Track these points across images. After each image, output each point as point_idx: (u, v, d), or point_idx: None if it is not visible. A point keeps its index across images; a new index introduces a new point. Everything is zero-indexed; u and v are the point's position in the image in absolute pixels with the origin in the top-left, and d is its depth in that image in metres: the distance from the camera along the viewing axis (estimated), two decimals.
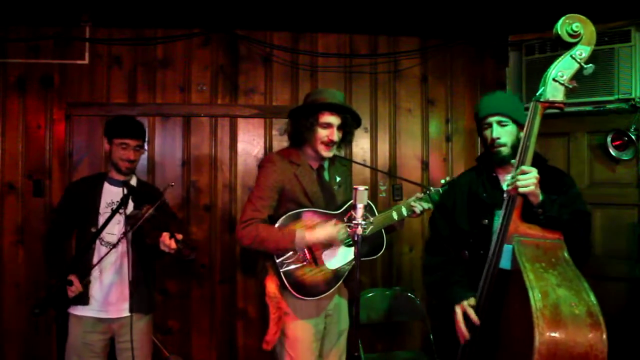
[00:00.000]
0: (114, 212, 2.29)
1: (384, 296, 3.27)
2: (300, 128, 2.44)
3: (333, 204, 2.52)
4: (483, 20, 3.37)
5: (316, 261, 2.41)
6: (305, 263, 2.39)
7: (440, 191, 2.55)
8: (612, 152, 3.21)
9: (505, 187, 1.94)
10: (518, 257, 1.78)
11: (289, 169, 2.44)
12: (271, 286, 2.39)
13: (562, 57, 1.88)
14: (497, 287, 1.89)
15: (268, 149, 3.46)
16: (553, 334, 1.57)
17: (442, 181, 2.54)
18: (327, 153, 2.46)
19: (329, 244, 2.41)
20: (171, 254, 2.34)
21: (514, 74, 3.62)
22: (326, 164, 2.59)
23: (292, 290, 2.35)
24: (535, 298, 1.62)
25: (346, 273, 2.48)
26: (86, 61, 3.32)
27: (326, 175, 2.59)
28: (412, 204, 2.60)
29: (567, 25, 1.83)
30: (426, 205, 2.61)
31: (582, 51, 1.85)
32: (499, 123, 2.10)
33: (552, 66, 1.88)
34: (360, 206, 1.84)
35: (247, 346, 3.41)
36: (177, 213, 3.15)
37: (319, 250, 2.42)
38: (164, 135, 3.39)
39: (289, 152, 2.51)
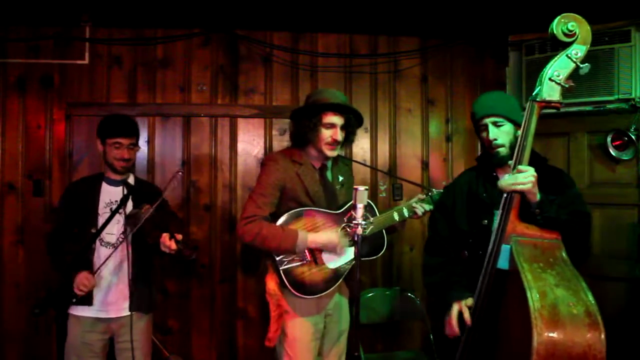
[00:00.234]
0: (113, 213, 2.29)
1: (384, 296, 3.27)
2: (304, 129, 2.45)
3: (335, 203, 2.53)
4: (483, 20, 3.37)
5: (316, 260, 2.42)
6: (304, 262, 2.40)
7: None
8: (612, 152, 3.21)
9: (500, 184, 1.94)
10: (516, 257, 1.77)
11: (291, 167, 2.46)
12: (271, 284, 2.42)
13: (558, 56, 1.88)
14: (495, 287, 1.89)
15: (268, 149, 3.46)
16: (551, 334, 1.56)
17: (444, 183, 2.54)
18: (331, 153, 2.47)
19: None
20: (172, 254, 2.34)
21: (514, 74, 3.62)
22: (329, 164, 2.60)
23: (291, 288, 2.36)
24: (533, 298, 1.62)
25: (346, 272, 2.49)
26: (86, 61, 3.32)
27: (329, 175, 2.59)
28: (414, 205, 2.61)
29: (562, 24, 1.83)
30: (427, 207, 2.62)
31: (578, 50, 1.85)
32: (495, 124, 2.10)
33: (548, 66, 1.88)
34: (360, 206, 1.85)
35: (247, 346, 3.41)
36: (177, 213, 3.15)
37: (320, 250, 2.43)
38: (164, 135, 3.39)
39: (292, 152, 2.53)
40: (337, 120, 2.43)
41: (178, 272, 3.35)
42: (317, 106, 2.45)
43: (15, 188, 3.26)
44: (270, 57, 3.49)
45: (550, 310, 1.60)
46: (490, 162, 2.16)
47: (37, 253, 3.10)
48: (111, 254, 2.39)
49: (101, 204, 2.55)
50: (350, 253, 2.47)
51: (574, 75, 1.89)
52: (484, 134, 2.13)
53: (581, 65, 1.86)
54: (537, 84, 1.91)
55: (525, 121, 1.90)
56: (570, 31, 1.83)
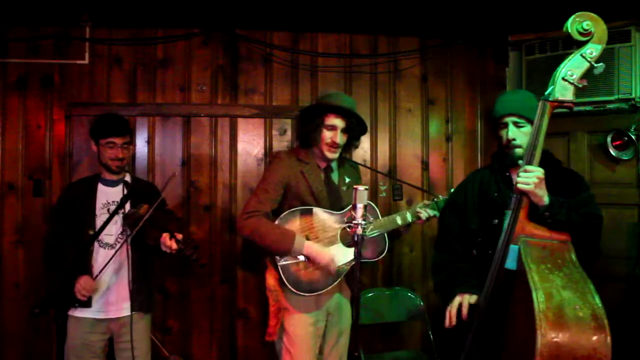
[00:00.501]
0: (113, 213, 2.29)
1: (384, 296, 3.27)
2: (307, 129, 2.49)
3: (338, 204, 2.55)
4: (483, 20, 3.37)
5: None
6: (302, 259, 2.42)
7: None
8: (612, 152, 3.20)
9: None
10: (523, 258, 1.77)
11: (296, 166, 2.49)
12: (271, 280, 2.47)
13: (572, 55, 1.84)
14: (502, 287, 1.88)
15: (268, 149, 3.45)
16: (555, 336, 1.56)
17: (452, 190, 2.53)
18: (330, 155, 2.49)
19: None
20: (173, 254, 2.34)
21: (514, 74, 3.62)
22: (334, 165, 2.63)
23: (288, 285, 2.39)
24: (539, 299, 1.61)
25: (344, 272, 2.49)
26: (86, 61, 3.31)
27: (334, 176, 2.62)
28: (418, 210, 2.62)
29: (577, 23, 1.80)
30: (432, 213, 2.62)
31: (593, 50, 1.82)
32: (515, 124, 2.08)
33: (562, 65, 1.85)
34: (360, 206, 1.86)
35: (247, 346, 3.41)
36: (177, 213, 3.15)
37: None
38: (164, 135, 3.38)
39: (298, 151, 2.57)
40: (339, 122, 2.46)
41: (178, 272, 3.35)
42: (321, 107, 2.50)
43: (15, 188, 3.25)
44: (270, 57, 3.49)
45: (555, 312, 1.59)
46: (505, 161, 2.15)
47: (37, 253, 3.09)
48: (112, 256, 2.38)
49: (98, 205, 2.56)
50: (349, 253, 2.48)
51: (585, 74, 1.85)
52: (503, 133, 2.12)
53: (596, 65, 1.82)
54: (549, 84, 1.88)
55: (537, 120, 1.88)
56: (586, 30, 1.80)
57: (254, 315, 3.40)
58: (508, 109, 2.10)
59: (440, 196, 2.69)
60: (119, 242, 2.52)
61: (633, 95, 3.08)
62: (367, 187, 1.89)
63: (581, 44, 1.83)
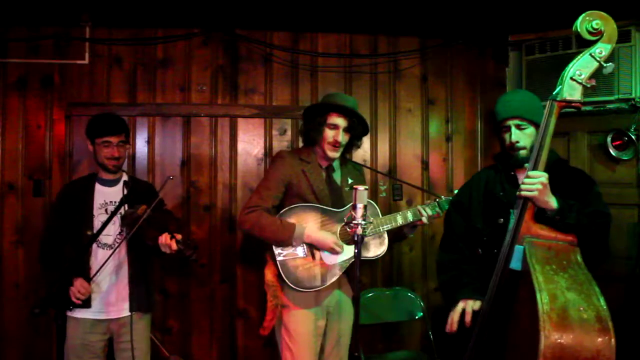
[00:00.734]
0: (113, 213, 2.29)
1: (384, 296, 3.27)
2: (310, 127, 2.53)
3: (340, 203, 2.57)
4: (483, 20, 3.37)
5: (313, 255, 2.46)
6: (301, 255, 2.44)
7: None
8: (612, 152, 3.21)
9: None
10: (528, 259, 1.76)
11: (298, 165, 2.53)
12: (269, 275, 2.49)
13: (581, 55, 1.83)
14: (506, 288, 1.87)
15: (268, 149, 3.45)
16: (559, 338, 1.56)
17: (456, 192, 2.53)
18: (332, 154, 2.52)
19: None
20: (172, 254, 2.34)
21: (514, 74, 3.62)
22: (336, 165, 2.64)
23: (286, 280, 2.41)
24: (543, 300, 1.61)
25: (344, 270, 2.50)
26: (86, 61, 3.31)
27: (337, 175, 2.64)
28: (420, 209, 2.61)
29: (587, 22, 1.78)
30: (433, 212, 2.61)
31: (602, 49, 1.80)
32: (518, 127, 2.07)
33: (570, 64, 1.83)
34: (360, 206, 1.86)
35: (247, 346, 3.41)
36: (177, 213, 3.15)
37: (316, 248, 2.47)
38: (164, 135, 3.38)
39: (300, 150, 2.62)
40: (341, 122, 2.49)
41: (178, 272, 3.34)
42: (323, 106, 2.54)
43: (15, 188, 3.25)
44: (270, 57, 3.48)
45: (559, 314, 1.59)
46: (509, 162, 2.14)
47: (37, 253, 3.08)
48: (110, 256, 2.38)
49: (96, 205, 2.55)
50: (348, 250, 2.48)
51: (594, 74, 1.83)
52: (506, 136, 2.10)
53: (605, 65, 1.81)
54: (557, 83, 1.86)
55: (544, 121, 1.86)
56: (595, 29, 1.78)
57: (254, 315, 3.40)
58: (510, 111, 2.09)
59: (442, 196, 2.68)
60: (117, 243, 2.52)
61: (633, 95, 3.08)
62: (367, 187, 1.89)
63: (590, 44, 1.81)
